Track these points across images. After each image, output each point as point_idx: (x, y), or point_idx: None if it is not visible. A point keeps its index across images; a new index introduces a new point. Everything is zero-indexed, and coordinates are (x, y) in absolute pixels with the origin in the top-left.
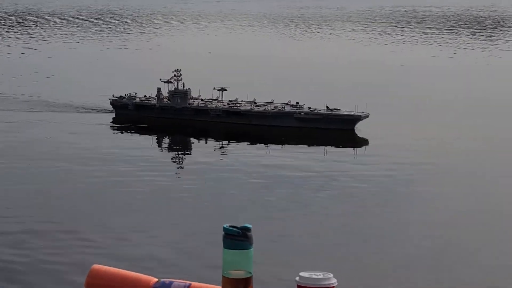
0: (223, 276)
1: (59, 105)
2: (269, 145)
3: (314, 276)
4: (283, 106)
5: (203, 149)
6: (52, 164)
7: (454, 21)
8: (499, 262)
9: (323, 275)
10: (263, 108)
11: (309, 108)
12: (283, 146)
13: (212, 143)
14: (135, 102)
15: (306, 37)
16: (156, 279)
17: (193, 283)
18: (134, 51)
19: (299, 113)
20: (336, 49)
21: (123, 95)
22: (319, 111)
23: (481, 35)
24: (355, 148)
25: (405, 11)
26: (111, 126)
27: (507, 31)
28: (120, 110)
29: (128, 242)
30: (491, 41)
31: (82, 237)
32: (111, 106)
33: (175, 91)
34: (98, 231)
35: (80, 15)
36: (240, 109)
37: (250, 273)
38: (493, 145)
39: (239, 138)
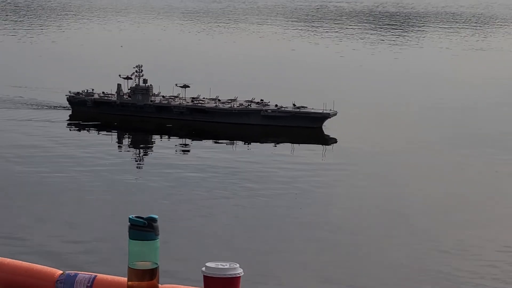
0: (128, 267)
1: (12, 101)
2: (234, 143)
3: (220, 266)
4: (248, 104)
5: (164, 147)
6: None
7: (364, 17)
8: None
9: (229, 265)
10: (229, 105)
11: (276, 105)
12: (248, 144)
13: (175, 141)
14: (94, 98)
15: (225, 32)
16: (60, 272)
17: (99, 275)
18: (83, 45)
19: (266, 110)
20: (253, 44)
21: (80, 91)
22: (286, 109)
23: (390, 31)
24: (325, 146)
25: (316, 7)
26: (68, 123)
27: (417, 27)
28: (77, 106)
29: (34, 235)
30: (401, 36)
31: None
32: (67, 102)
33: (136, 88)
34: (5, 224)
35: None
36: (204, 106)
37: (156, 264)
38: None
39: (203, 136)
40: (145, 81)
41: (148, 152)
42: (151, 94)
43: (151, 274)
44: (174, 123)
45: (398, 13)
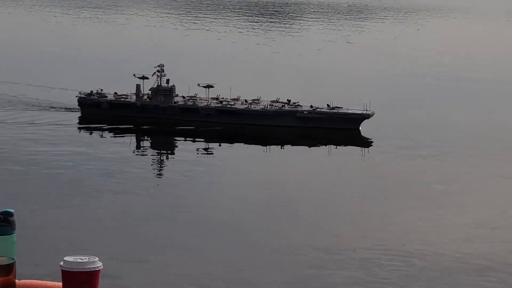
0: None
1: (11, 101)
2: (267, 146)
3: (79, 260)
4: (283, 105)
5: (188, 151)
6: None
7: (246, 6)
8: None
9: (88, 258)
10: (261, 106)
11: (311, 106)
12: (282, 147)
13: (201, 144)
14: (110, 100)
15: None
16: None
17: None
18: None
19: (302, 111)
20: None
21: (89, 91)
22: (322, 110)
23: (271, 20)
24: (363, 148)
25: None
26: (78, 127)
27: (295, 17)
28: (89, 108)
29: None
30: (284, 26)
31: None
32: (77, 104)
33: (158, 88)
34: None
35: None
36: (236, 107)
37: (13, 259)
38: None
39: (233, 140)
40: (167, 81)
41: (170, 157)
42: (174, 95)
43: (7, 269)
44: (200, 126)
45: (276, 3)
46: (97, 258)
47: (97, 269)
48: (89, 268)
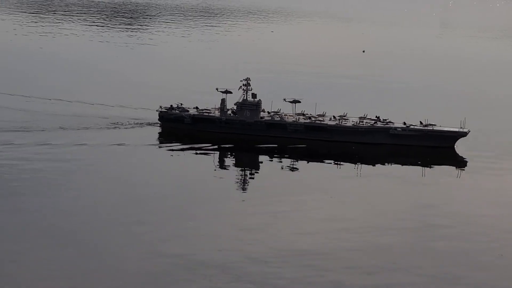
0: None
1: (85, 122)
2: (358, 164)
3: None
4: (375, 121)
5: (271, 170)
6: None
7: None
8: None
9: None
10: (352, 123)
11: (404, 123)
12: (374, 165)
13: (287, 162)
14: (193, 114)
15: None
16: None
17: None
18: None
19: (395, 129)
20: None
21: (171, 105)
22: (415, 127)
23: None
24: (458, 169)
25: None
26: (160, 143)
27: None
28: (170, 123)
29: None
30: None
31: None
32: (158, 118)
33: (243, 103)
34: None
35: None
36: (326, 124)
37: None
38: None
39: (322, 157)
40: (253, 95)
41: (255, 174)
42: (260, 110)
43: None
44: (287, 142)
45: (129, 5)
46: None
47: None
48: None
